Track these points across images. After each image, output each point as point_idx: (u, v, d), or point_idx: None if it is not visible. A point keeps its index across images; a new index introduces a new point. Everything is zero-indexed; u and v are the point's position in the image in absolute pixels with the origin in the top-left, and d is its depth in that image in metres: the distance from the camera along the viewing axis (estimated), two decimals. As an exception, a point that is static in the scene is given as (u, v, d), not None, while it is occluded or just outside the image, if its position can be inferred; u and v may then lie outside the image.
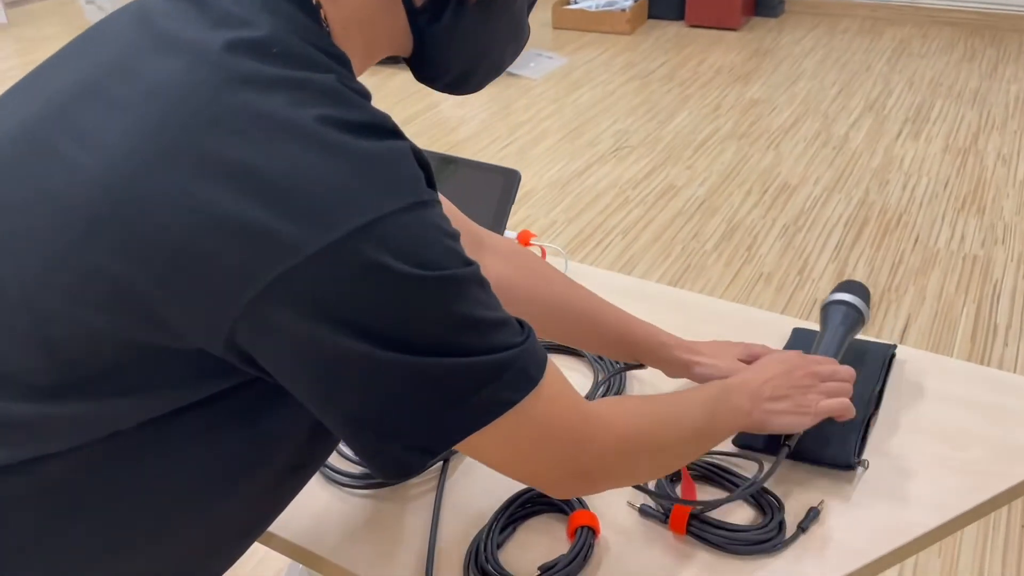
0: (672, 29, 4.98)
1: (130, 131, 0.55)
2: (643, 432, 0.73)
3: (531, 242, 1.21)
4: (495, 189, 1.22)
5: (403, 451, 0.61)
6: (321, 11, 0.63)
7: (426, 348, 0.58)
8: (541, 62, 4.45)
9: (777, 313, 1.16)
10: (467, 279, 0.60)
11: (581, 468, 0.69)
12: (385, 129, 0.59)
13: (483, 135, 3.67)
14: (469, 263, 0.61)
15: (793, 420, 0.87)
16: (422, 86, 4.19)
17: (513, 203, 1.22)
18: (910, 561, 1.75)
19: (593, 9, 4.95)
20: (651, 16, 5.15)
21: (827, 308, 1.02)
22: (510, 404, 0.62)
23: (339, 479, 0.91)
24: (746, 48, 4.63)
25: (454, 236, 0.61)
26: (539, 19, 5.19)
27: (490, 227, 1.21)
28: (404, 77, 4.33)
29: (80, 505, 0.59)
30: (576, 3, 5.07)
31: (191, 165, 0.54)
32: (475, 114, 3.88)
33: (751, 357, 0.98)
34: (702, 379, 0.96)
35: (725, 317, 1.16)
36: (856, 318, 1.00)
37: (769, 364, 0.90)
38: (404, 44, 0.70)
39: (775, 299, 2.56)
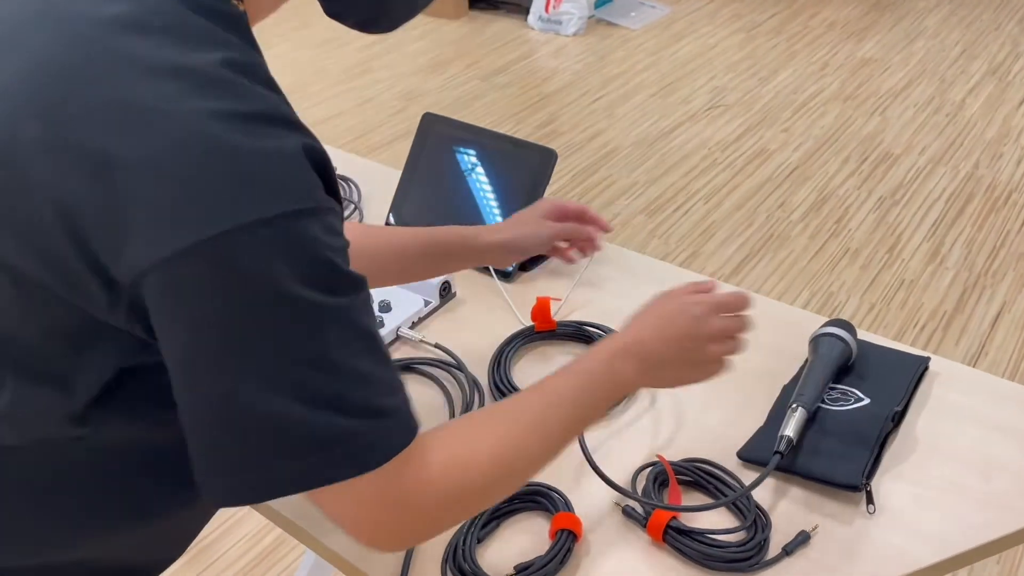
0: (787, -22, 4.73)
1: (2, 115, 0.54)
2: (483, 472, 0.66)
3: (562, 224, 1.19)
4: (531, 167, 1.20)
5: (224, 487, 0.57)
6: None
7: (263, 378, 0.54)
8: (643, 11, 4.31)
9: (813, 312, 1.10)
10: (335, 312, 0.55)
11: (406, 535, 0.64)
12: (274, 119, 0.55)
13: (573, 88, 3.60)
14: (346, 291, 0.55)
15: (686, 381, 0.79)
16: (520, 33, 4.15)
17: (548, 182, 1.20)
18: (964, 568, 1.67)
19: (704, -44, 4.73)
20: (766, -36, 4.89)
21: (816, 340, 1.00)
22: (330, 481, 0.57)
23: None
24: (865, 2, 4.36)
25: (335, 251, 0.55)
26: (646, -35, 5.01)
27: (523, 204, 1.19)
28: (502, 24, 4.28)
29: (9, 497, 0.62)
30: (686, -51, 4.86)
31: (59, 153, 0.52)
32: (568, 65, 3.81)
33: (560, 213, 1.03)
34: (522, 252, 1.05)
35: (767, 316, 1.11)
36: (843, 349, 0.97)
37: (651, 319, 0.78)
38: None
39: (859, 277, 2.44)
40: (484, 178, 1.23)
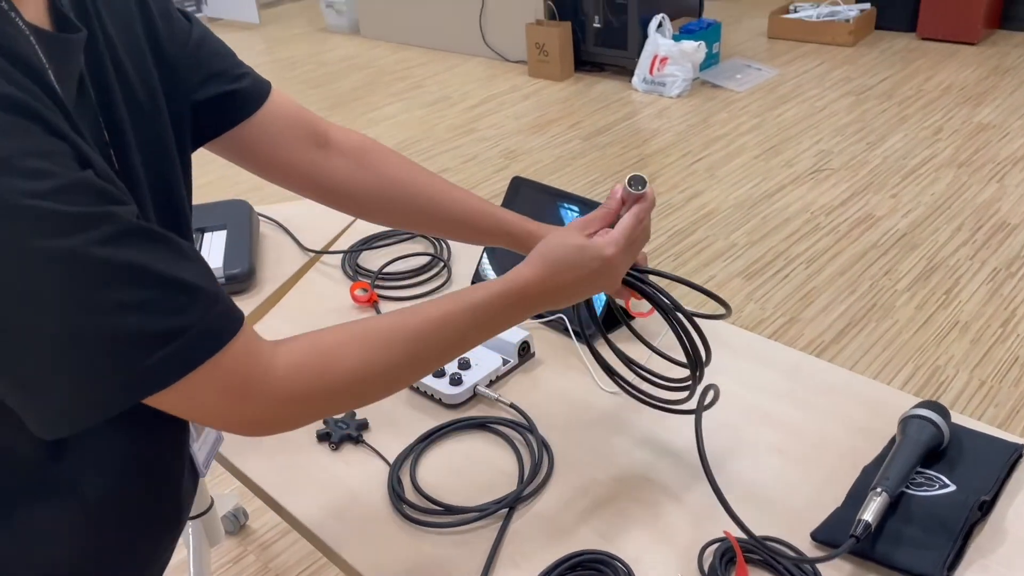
0: (901, 42, 4.63)
1: None
2: (341, 377, 0.70)
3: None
4: (615, 231, 1.21)
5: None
6: None
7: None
8: (749, 74, 4.29)
9: (904, 391, 1.06)
10: (64, 254, 0.54)
11: (248, 421, 0.67)
12: None
13: (675, 148, 3.60)
14: (71, 231, 0.54)
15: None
16: (623, 95, 4.19)
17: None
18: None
19: (814, 19, 4.70)
20: (879, 27, 4.82)
21: (906, 421, 0.96)
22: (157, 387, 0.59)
23: (407, 512, 0.95)
24: (983, 65, 4.22)
25: (42, 195, 0.53)
26: (753, 28, 5.01)
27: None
28: (606, 86, 4.33)
29: None
30: (795, 12, 4.84)
31: None
32: (672, 125, 3.82)
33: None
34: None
35: (854, 392, 1.08)
36: (934, 434, 0.93)
37: (570, 269, 0.84)
38: None
39: (968, 352, 2.33)
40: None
